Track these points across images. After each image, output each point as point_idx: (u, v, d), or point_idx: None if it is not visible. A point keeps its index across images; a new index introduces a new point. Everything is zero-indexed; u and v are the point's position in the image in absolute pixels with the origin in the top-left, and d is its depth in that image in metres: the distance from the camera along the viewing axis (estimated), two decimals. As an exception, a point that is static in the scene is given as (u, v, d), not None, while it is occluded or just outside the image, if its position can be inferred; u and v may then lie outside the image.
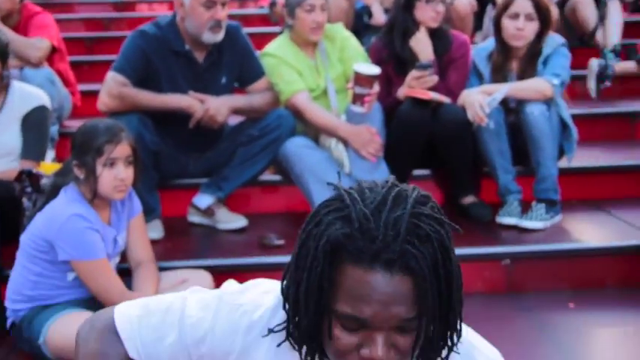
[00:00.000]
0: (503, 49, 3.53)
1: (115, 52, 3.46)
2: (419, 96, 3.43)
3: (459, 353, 1.22)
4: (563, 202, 3.53)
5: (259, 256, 3.08)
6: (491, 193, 3.56)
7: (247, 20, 5.72)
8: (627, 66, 4.94)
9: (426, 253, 1.11)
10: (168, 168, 3.41)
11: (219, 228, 3.46)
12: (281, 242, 3.19)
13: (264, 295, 1.33)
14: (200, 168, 3.52)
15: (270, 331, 1.26)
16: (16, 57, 3.63)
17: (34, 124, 3.00)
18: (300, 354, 1.23)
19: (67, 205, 2.46)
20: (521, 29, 3.44)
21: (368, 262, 1.10)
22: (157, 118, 3.26)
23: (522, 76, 3.52)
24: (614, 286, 3.13)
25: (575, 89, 4.58)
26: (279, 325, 1.26)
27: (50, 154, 3.86)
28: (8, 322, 2.55)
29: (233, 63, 3.42)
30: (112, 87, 3.22)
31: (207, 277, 2.73)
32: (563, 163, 3.64)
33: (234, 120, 3.57)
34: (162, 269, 2.77)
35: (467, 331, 1.27)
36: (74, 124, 2.66)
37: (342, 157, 3.29)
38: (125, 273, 2.66)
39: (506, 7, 3.49)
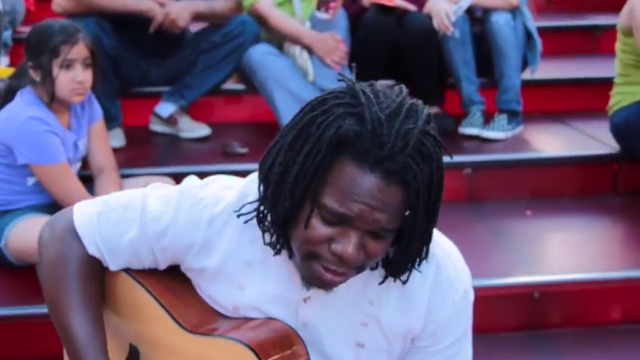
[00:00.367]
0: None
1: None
2: (385, 3, 3.38)
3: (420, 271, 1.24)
4: (525, 114, 3.58)
5: (222, 163, 3.07)
6: (455, 105, 3.58)
7: None
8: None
9: (425, 171, 1.12)
10: (128, 75, 3.34)
11: (182, 137, 3.43)
12: (244, 150, 3.19)
13: (225, 190, 1.33)
14: (162, 76, 3.45)
15: (240, 215, 1.26)
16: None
17: (-16, 27, 2.89)
18: (264, 239, 1.24)
19: (24, 107, 2.41)
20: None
21: (370, 165, 1.10)
22: (115, 22, 3.16)
23: (489, -16, 3.48)
24: (570, 195, 3.22)
25: (539, 2, 4.57)
26: (249, 203, 1.26)
27: (4, 60, 3.75)
28: (-33, 228, 2.52)
29: (194, -33, 3.31)
30: (68, -13, 3.10)
31: (170, 183, 2.73)
32: (527, 75, 3.67)
33: (196, 27, 3.49)
34: (124, 176, 2.75)
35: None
36: (28, 30, 2.55)
37: (307, 64, 3.25)
38: (87, 180, 2.63)
39: None
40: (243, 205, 1.27)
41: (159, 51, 3.37)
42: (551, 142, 3.55)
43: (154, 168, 2.99)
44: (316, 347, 1.29)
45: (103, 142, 2.68)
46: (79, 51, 2.42)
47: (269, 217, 1.22)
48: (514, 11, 3.46)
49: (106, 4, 3.11)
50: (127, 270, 1.38)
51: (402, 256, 1.20)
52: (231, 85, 3.63)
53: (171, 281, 1.38)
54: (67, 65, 2.41)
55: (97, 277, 1.37)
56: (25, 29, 3.94)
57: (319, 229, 1.14)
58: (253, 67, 3.26)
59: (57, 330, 1.36)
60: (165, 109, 3.42)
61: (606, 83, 3.33)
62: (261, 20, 3.34)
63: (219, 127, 3.53)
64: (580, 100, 3.91)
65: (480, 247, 2.70)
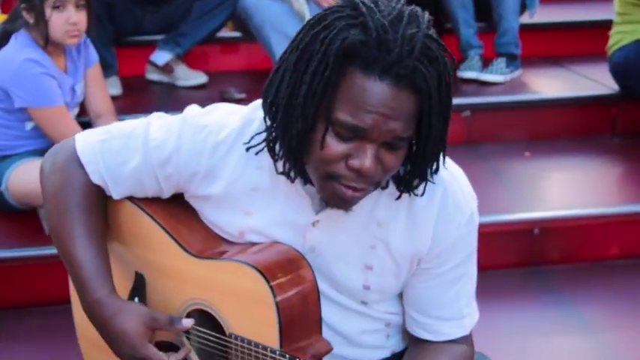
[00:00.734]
0: None
1: None
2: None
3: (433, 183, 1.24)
4: (523, 58, 3.56)
5: (221, 109, 3.04)
6: (453, 50, 3.55)
7: None
8: None
9: (434, 74, 1.10)
10: (123, 22, 3.30)
11: (179, 85, 3.40)
12: (242, 96, 3.17)
13: (228, 116, 1.32)
14: (156, 23, 3.41)
15: (249, 148, 1.25)
16: None
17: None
18: (276, 167, 1.23)
19: (19, 50, 2.38)
20: None
21: (379, 72, 1.08)
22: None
23: None
24: (569, 137, 3.22)
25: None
26: (257, 134, 1.25)
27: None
28: (-33, 174, 2.51)
29: None
30: None
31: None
32: (525, 19, 3.64)
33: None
34: (122, 123, 2.73)
35: None
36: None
37: (303, 9, 3.20)
38: (85, 126, 2.62)
39: None
40: (252, 137, 1.26)
41: (153, -3, 3.32)
42: (549, 84, 3.53)
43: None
44: (323, 271, 1.29)
45: (101, 86, 2.66)
46: None
47: (280, 145, 1.20)
48: (512, -47, 3.41)
49: None
50: (130, 198, 1.37)
51: (419, 165, 1.18)
52: (227, 33, 3.59)
53: (175, 208, 1.37)
54: (59, 6, 2.37)
55: (100, 206, 1.37)
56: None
57: (335, 146, 1.13)
58: (249, 12, 3.22)
59: (62, 259, 1.36)
60: (161, 57, 3.39)
61: (605, 26, 3.30)
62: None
63: (216, 75, 3.50)
64: (579, 44, 3.88)
65: (480, 187, 2.68)
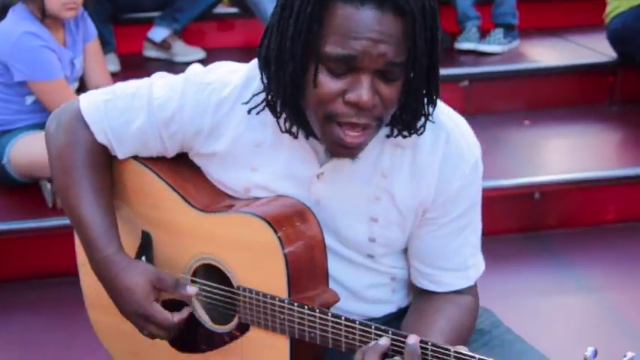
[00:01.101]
0: None
1: None
2: None
3: (433, 122, 1.24)
4: (521, 30, 3.56)
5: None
6: (451, 23, 3.55)
7: None
8: None
9: None
10: (119, -1, 3.30)
11: (177, 61, 3.40)
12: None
13: (231, 74, 1.33)
14: (153, 0, 3.40)
15: (251, 110, 1.25)
16: None
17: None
18: (279, 123, 1.24)
19: (17, 23, 2.38)
20: None
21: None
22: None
23: None
24: (567, 105, 3.23)
25: None
26: (256, 95, 1.26)
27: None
28: (-31, 149, 2.52)
29: None
30: None
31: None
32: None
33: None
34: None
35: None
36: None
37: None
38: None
39: None
40: (251, 98, 1.26)
41: (149, -27, 3.32)
42: (547, 54, 3.54)
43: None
44: (329, 225, 1.29)
45: (99, 60, 2.66)
46: None
47: (278, 100, 1.21)
48: None
49: None
50: (135, 157, 1.38)
51: (412, 98, 1.18)
52: (224, 9, 3.59)
53: (180, 167, 1.38)
54: None
55: (106, 166, 1.38)
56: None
57: (329, 84, 1.13)
58: (246, -14, 3.22)
59: (69, 219, 1.37)
60: (159, 33, 3.39)
61: (602, -4, 3.31)
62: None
63: (213, 52, 3.49)
64: (576, 14, 3.89)
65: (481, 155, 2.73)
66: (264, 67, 1.21)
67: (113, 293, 1.31)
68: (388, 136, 1.24)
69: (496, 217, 2.48)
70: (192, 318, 1.33)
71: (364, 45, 1.09)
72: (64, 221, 2.27)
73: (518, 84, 3.24)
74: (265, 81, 1.22)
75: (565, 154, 2.85)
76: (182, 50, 3.41)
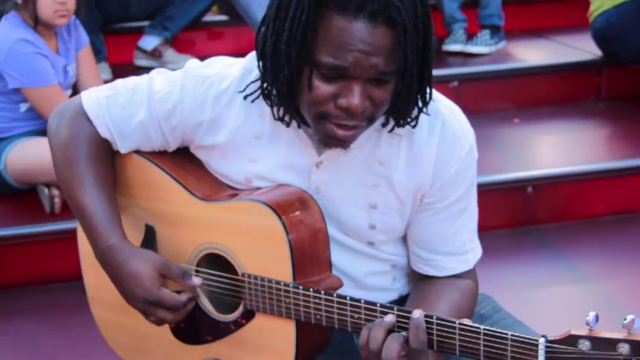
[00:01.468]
0: None
1: None
2: None
3: (428, 114, 1.27)
4: (506, 32, 3.61)
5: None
6: (438, 26, 3.60)
7: None
8: None
9: (409, 6, 1.14)
10: (110, 8, 3.31)
11: (168, 69, 3.41)
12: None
13: (229, 67, 1.36)
14: (143, 8, 3.43)
15: (247, 96, 1.28)
16: None
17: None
18: (273, 114, 1.27)
19: (10, 30, 2.39)
20: None
21: (353, 11, 1.12)
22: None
23: None
24: (555, 103, 3.28)
25: None
26: (253, 82, 1.29)
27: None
28: (-36, 159, 2.52)
29: None
30: None
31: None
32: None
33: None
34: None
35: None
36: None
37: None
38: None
39: None
40: (248, 85, 1.29)
41: (138, -18, 3.34)
42: (534, 54, 3.60)
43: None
44: (330, 213, 1.32)
45: (92, 67, 2.68)
46: None
47: (274, 91, 1.24)
48: None
49: None
50: (137, 151, 1.40)
51: (404, 97, 1.21)
52: (213, 17, 3.62)
53: (182, 160, 1.40)
54: None
55: (108, 160, 1.39)
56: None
57: (322, 87, 1.17)
58: (235, -7, 3.24)
59: (73, 212, 1.38)
60: (149, 42, 3.41)
61: (585, -3, 3.37)
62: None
63: (205, 59, 3.51)
64: (560, 16, 3.95)
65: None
66: (260, 57, 1.24)
67: (119, 281, 1.31)
68: (384, 125, 1.28)
69: (490, 212, 2.51)
70: (196, 309, 1.34)
71: (356, 57, 1.13)
72: (63, 226, 2.30)
73: (506, 83, 3.28)
74: (261, 71, 1.25)
75: (555, 150, 2.90)
76: (173, 58, 3.43)
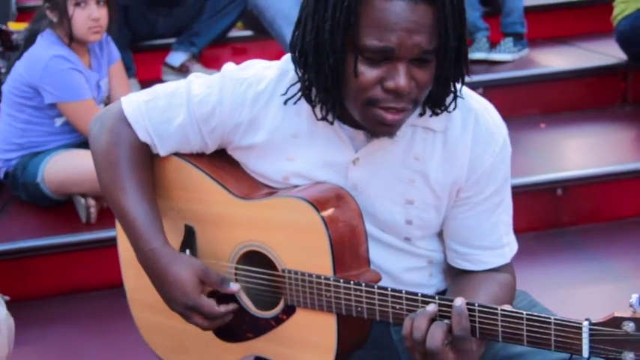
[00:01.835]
0: None
1: None
2: None
3: (462, 97, 1.29)
4: (529, 40, 3.62)
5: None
6: (460, 35, 3.62)
7: None
8: None
9: None
10: (137, 26, 3.39)
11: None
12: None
13: (265, 69, 1.39)
14: (170, 26, 3.50)
15: (287, 100, 1.31)
16: None
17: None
18: (314, 111, 1.30)
19: (47, 47, 2.46)
20: None
21: None
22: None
23: None
24: (581, 108, 3.28)
25: None
26: (292, 85, 1.32)
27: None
28: (1, 173, 2.58)
29: None
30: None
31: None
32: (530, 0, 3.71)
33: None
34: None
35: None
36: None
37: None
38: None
39: None
40: (287, 89, 1.32)
41: (165, 0, 3.41)
42: (559, 60, 3.60)
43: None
44: (366, 209, 1.34)
45: (124, 82, 2.75)
46: None
47: (315, 90, 1.26)
48: None
49: None
50: (176, 153, 1.43)
51: (444, 79, 1.24)
52: (238, 32, 3.68)
53: (219, 161, 1.43)
54: (81, 3, 2.46)
55: (148, 163, 1.43)
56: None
57: (368, 72, 1.19)
58: (260, 7, 3.30)
59: (115, 215, 1.41)
60: (177, 58, 3.47)
61: (607, 2, 3.36)
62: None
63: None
64: (583, 22, 3.95)
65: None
66: (299, 59, 1.27)
67: (160, 284, 1.34)
68: (421, 115, 1.30)
69: (521, 215, 2.50)
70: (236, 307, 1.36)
71: (400, 36, 1.16)
72: (99, 235, 2.34)
73: (531, 90, 3.29)
74: (301, 71, 1.28)
75: (584, 153, 2.90)
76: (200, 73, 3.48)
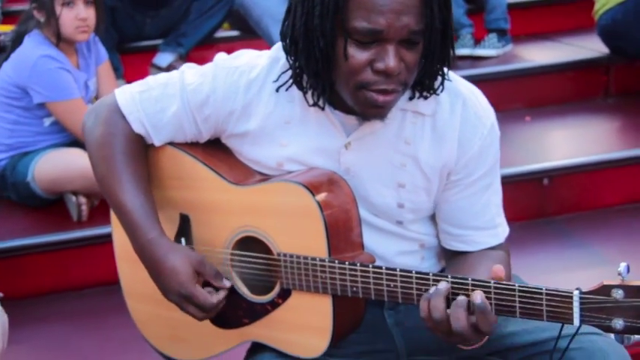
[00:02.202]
0: None
1: None
2: None
3: (450, 80, 1.32)
4: (513, 37, 3.67)
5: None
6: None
7: None
8: None
9: None
10: (124, 27, 3.39)
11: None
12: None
13: (257, 58, 1.41)
14: (157, 28, 3.51)
15: (279, 87, 1.33)
16: None
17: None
18: (306, 98, 1.32)
19: (34, 47, 2.47)
20: None
21: None
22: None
23: None
24: (565, 101, 3.32)
25: None
26: (283, 73, 1.34)
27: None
28: (-10, 174, 2.58)
29: None
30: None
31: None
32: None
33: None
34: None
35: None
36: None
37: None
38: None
39: None
40: (279, 77, 1.34)
41: (152, 2, 3.42)
42: (542, 54, 3.65)
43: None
44: (360, 193, 1.36)
45: (112, 82, 2.75)
46: None
47: (306, 76, 1.29)
48: None
49: None
50: (170, 142, 1.44)
51: (430, 60, 1.27)
52: (224, 33, 3.69)
53: (213, 150, 1.45)
54: (69, 3, 2.47)
55: (143, 155, 1.44)
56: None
57: (358, 55, 1.22)
58: (247, 7, 3.32)
59: (111, 206, 1.42)
60: (164, 59, 3.48)
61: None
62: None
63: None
64: (565, 19, 4.00)
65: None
66: (289, 47, 1.29)
67: (157, 274, 1.36)
68: (411, 99, 1.32)
69: (509, 205, 2.53)
70: (232, 293, 1.38)
71: (388, 18, 1.19)
72: (90, 232, 2.35)
73: (515, 84, 3.33)
74: (292, 59, 1.30)
75: (568, 144, 2.95)
76: (187, 74, 3.49)
